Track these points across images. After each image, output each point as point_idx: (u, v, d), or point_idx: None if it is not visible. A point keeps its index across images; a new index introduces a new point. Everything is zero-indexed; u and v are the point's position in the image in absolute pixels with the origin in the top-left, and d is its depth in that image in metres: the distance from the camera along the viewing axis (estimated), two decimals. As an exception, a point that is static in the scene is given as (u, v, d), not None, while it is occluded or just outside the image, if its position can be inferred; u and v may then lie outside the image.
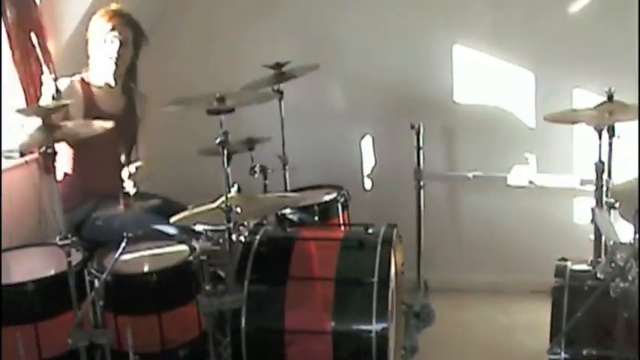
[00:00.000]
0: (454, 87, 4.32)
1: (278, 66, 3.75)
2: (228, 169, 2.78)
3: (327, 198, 3.85)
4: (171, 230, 3.34)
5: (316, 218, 3.74)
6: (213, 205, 2.90)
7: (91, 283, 2.91)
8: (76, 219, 3.46)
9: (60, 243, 2.65)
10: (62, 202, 2.82)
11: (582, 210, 4.10)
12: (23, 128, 2.77)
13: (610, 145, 3.12)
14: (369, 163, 4.55)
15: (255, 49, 4.31)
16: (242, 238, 3.19)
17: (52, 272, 2.99)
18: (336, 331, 2.98)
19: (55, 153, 2.62)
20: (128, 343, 2.78)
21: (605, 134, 3.08)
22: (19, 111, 2.85)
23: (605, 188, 3.09)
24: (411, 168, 3.88)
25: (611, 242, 2.60)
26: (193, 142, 3.65)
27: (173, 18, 4.52)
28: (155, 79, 3.99)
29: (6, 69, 3.51)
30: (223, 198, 2.78)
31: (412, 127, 3.79)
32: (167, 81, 4.29)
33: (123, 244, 2.72)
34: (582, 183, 4.04)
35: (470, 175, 4.32)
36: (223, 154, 2.75)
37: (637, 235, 2.38)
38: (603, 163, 3.10)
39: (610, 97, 3.09)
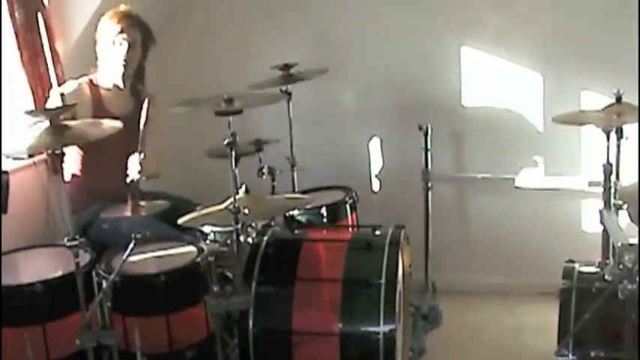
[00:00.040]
0: (462, 89, 4.31)
1: (286, 67, 3.75)
2: (236, 171, 2.78)
3: (335, 199, 3.84)
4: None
5: (324, 220, 3.73)
6: (222, 207, 2.91)
7: (99, 284, 2.90)
8: (84, 220, 3.45)
9: (68, 244, 2.65)
10: (70, 203, 2.81)
11: (590, 212, 4.09)
12: (31, 129, 2.76)
13: (618, 146, 3.11)
14: (377, 164, 4.55)
15: (263, 51, 4.32)
16: (250, 240, 3.19)
17: (60, 273, 2.99)
18: (343, 333, 2.97)
19: (62, 154, 2.62)
20: (136, 344, 2.77)
21: (613, 136, 3.08)
22: (28, 112, 2.85)
23: (613, 190, 3.08)
24: (419, 169, 3.88)
25: (619, 244, 2.60)
26: (201, 143, 3.65)
27: (181, 19, 4.52)
28: (163, 81, 4.00)
29: (14, 70, 3.52)
30: (231, 199, 2.78)
31: (420, 128, 3.79)
32: (175, 82, 4.30)
33: (131, 246, 2.71)
34: (590, 185, 4.04)
35: (479, 176, 4.32)
36: (231, 156, 2.75)
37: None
38: (611, 165, 3.09)
39: (618, 99, 3.09)
